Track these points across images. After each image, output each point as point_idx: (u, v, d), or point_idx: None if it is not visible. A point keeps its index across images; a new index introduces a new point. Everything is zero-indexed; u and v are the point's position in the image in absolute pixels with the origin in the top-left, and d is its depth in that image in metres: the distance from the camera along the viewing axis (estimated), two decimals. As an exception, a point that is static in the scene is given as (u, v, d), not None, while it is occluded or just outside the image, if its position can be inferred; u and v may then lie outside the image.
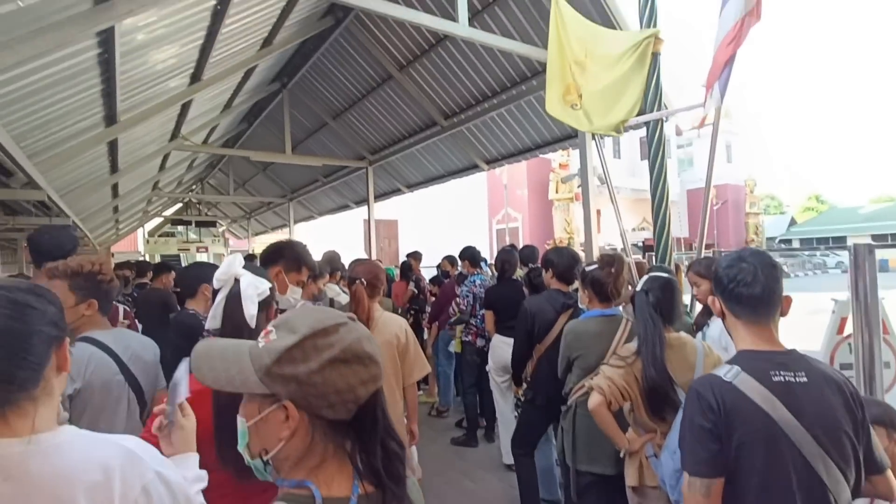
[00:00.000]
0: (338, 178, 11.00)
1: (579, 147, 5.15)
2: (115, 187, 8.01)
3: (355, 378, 0.71)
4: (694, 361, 1.82)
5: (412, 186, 10.03)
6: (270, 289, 1.48)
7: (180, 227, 18.98)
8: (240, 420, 0.76)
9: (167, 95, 5.32)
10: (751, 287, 1.25)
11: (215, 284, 1.43)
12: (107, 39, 3.42)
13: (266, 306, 1.45)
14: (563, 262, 2.84)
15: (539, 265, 4.52)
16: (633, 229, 26.87)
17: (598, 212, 26.40)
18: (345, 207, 13.22)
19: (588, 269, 2.26)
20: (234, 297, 1.36)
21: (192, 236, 19.20)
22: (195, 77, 5.36)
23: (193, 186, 15.87)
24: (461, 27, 4.25)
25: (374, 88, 7.64)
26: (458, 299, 4.51)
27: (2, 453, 0.73)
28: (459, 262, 4.96)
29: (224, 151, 9.88)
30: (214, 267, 1.74)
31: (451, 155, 8.32)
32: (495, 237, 26.64)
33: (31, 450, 0.75)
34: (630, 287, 2.35)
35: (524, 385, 3.06)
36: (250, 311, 1.35)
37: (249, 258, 7.60)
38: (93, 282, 1.68)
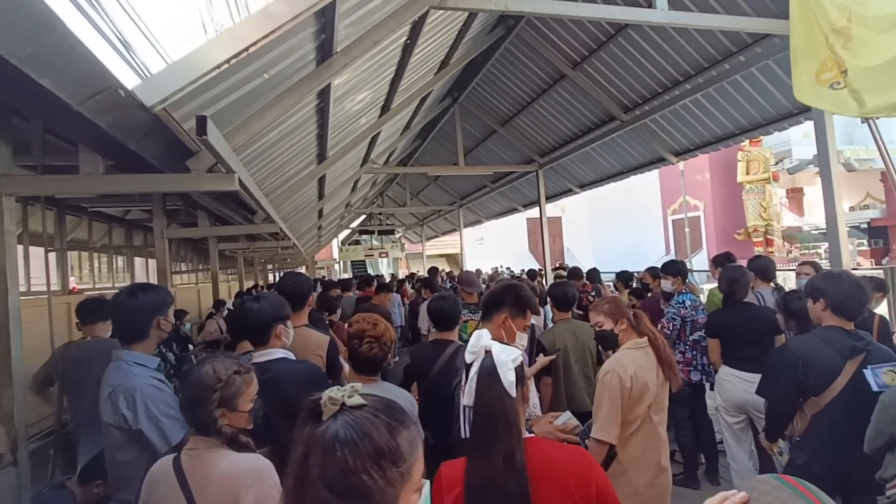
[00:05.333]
0: (505, 182, 11.02)
1: (815, 127, 4.15)
2: (320, 211, 9.24)
3: None
4: None
5: (585, 186, 9.51)
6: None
7: (365, 236, 21.38)
8: None
9: (362, 129, 5.86)
10: None
11: (467, 359, 1.41)
12: (324, 90, 3.83)
13: (520, 382, 1.37)
14: (842, 290, 2.19)
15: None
16: (852, 208, 21.61)
17: (801, 190, 21.82)
18: (512, 211, 13.24)
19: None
20: (487, 371, 1.33)
21: (375, 243, 21.45)
22: (385, 108, 5.80)
23: (375, 200, 17.63)
24: (659, 13, 3.73)
25: (544, 90, 7.37)
26: (662, 321, 3.97)
27: None
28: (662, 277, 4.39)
29: (405, 170, 10.67)
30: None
31: (632, 150, 7.61)
32: (671, 230, 23.94)
33: None
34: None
35: (782, 441, 2.50)
36: (508, 378, 1.32)
37: (432, 272, 8.04)
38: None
